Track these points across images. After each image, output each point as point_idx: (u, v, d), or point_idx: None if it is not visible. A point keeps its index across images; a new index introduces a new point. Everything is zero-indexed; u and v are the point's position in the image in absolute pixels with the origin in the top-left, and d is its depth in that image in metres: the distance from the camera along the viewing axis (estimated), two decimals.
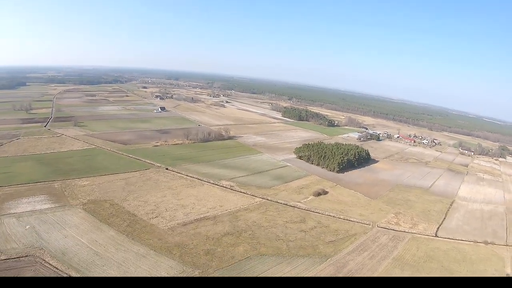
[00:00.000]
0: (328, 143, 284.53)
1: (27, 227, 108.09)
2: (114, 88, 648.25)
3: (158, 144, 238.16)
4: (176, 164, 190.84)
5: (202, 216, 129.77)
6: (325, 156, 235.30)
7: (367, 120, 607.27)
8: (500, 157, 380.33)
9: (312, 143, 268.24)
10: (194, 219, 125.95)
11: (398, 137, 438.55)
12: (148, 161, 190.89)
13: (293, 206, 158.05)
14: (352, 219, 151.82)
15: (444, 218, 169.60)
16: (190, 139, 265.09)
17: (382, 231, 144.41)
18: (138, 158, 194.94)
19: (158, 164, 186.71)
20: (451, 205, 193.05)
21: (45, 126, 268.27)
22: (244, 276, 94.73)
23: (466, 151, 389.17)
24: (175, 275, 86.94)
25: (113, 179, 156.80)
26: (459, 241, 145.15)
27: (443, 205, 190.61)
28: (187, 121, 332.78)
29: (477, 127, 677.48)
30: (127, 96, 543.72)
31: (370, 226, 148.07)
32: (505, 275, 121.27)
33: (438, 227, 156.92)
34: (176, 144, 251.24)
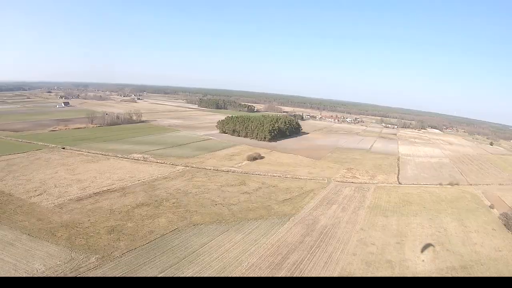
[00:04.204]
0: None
1: None
2: (16, 94, 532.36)
3: (56, 129, 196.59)
4: (76, 144, 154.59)
5: (105, 189, 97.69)
6: (252, 126, 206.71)
7: (286, 109, 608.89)
8: (421, 128, 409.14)
9: (237, 115, 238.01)
10: (94, 192, 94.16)
11: (321, 117, 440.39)
12: (41, 143, 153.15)
13: (227, 171, 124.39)
14: (302, 177, 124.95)
15: (399, 170, 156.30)
16: (95, 123, 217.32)
17: (341, 185, 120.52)
18: (29, 141, 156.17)
19: (53, 145, 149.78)
20: (398, 160, 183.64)
21: None
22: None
23: (390, 125, 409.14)
24: (57, 266, 56.19)
25: None
26: (425, 185, 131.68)
27: (391, 160, 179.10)
28: (94, 112, 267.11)
29: (388, 112, 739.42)
30: (29, 98, 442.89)
31: (326, 181, 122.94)
32: (488, 206, 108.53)
33: (398, 177, 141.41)
34: (78, 128, 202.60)
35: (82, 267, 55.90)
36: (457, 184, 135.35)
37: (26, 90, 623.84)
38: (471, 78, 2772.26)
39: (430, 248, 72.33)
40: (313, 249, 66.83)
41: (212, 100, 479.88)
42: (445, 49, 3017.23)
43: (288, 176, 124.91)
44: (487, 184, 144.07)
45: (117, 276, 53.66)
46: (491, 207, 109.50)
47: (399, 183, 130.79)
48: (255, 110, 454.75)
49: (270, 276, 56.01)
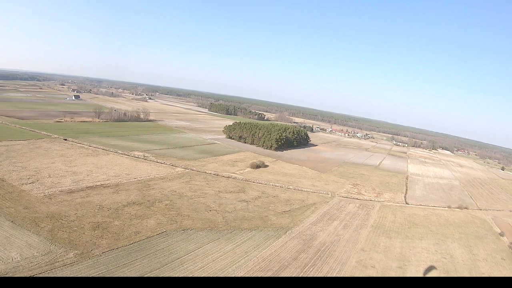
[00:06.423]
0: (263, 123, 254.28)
1: None
2: (30, 83, 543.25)
3: (61, 120, 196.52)
4: (79, 137, 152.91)
5: (99, 183, 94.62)
6: (260, 134, 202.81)
7: (297, 119, 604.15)
8: (432, 149, 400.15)
9: (245, 121, 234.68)
10: (86, 186, 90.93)
11: (331, 130, 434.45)
12: (45, 133, 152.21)
13: (227, 177, 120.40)
14: (305, 189, 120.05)
15: (407, 189, 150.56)
16: (102, 118, 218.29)
17: (345, 200, 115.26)
18: (33, 130, 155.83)
19: (55, 136, 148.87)
20: (407, 178, 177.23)
21: None
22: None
23: (400, 143, 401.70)
24: (33, 257, 53.37)
25: None
26: (433, 207, 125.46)
27: (399, 179, 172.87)
28: (102, 107, 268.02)
29: (400, 130, 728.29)
30: (41, 89, 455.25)
31: (330, 195, 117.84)
32: (497, 234, 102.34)
33: (405, 196, 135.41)
34: (84, 121, 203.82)
35: (58, 261, 52.90)
36: (466, 208, 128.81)
37: (40, 81, 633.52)
38: (485, 101, 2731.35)
39: (434, 275, 66.73)
40: (307, 267, 61.93)
41: (222, 105, 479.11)
42: (463, 71, 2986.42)
43: (291, 187, 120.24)
44: (497, 210, 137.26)
45: (92, 275, 50.12)
46: (501, 234, 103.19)
47: (406, 203, 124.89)
48: (265, 118, 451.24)
49: None
